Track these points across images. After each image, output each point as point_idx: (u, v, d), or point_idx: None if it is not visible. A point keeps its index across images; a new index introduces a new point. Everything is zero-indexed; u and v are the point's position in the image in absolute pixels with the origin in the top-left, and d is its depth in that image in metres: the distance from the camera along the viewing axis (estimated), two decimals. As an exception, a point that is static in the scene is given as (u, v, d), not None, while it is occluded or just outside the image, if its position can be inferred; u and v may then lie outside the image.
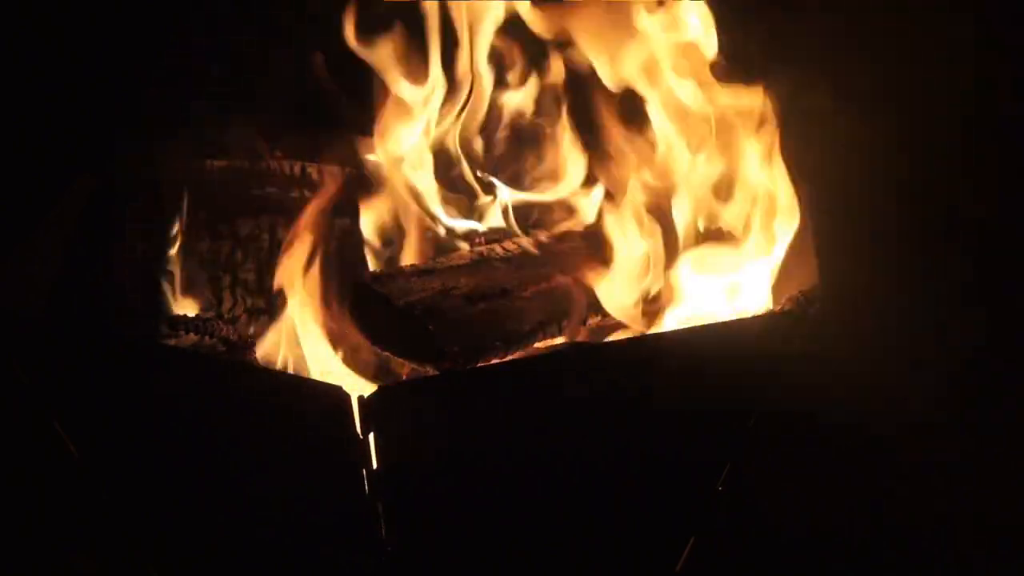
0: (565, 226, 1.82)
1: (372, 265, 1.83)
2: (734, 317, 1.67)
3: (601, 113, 1.78)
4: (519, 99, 1.88)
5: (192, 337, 1.70)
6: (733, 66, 1.71)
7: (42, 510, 1.80)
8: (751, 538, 1.77)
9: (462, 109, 1.84)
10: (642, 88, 1.75)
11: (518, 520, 1.52)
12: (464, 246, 1.80)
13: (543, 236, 1.78)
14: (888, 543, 1.80)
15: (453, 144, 1.85)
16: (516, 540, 1.53)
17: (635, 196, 1.74)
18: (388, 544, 1.43)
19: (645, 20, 1.72)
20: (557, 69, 1.85)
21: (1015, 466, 1.87)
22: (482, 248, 1.74)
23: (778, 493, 1.81)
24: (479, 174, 1.86)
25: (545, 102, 1.88)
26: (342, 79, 1.91)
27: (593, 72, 1.77)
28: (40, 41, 1.89)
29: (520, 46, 1.84)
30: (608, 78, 1.76)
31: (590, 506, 1.54)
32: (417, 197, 1.80)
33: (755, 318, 1.66)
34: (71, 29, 1.90)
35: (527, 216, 1.87)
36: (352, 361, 1.63)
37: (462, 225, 1.83)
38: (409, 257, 1.81)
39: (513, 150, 1.90)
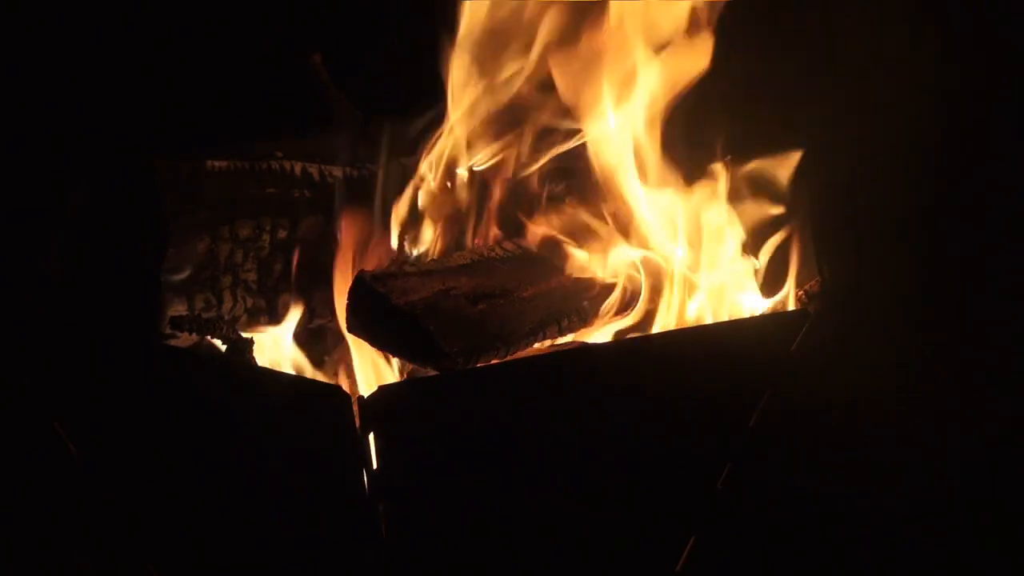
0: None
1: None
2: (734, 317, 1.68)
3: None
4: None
5: (192, 337, 1.70)
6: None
7: (42, 510, 1.80)
8: (751, 538, 1.77)
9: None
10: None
11: (518, 520, 1.52)
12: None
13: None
14: (888, 543, 1.80)
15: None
16: (516, 540, 1.53)
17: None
18: (388, 543, 1.43)
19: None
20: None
21: (1016, 466, 1.87)
22: (482, 248, 1.75)
23: (778, 493, 1.81)
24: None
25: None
26: (341, 78, 1.91)
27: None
28: (39, 42, 1.89)
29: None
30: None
31: (590, 506, 1.54)
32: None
33: (755, 318, 1.67)
34: (70, 30, 1.90)
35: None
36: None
37: None
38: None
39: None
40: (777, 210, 1.74)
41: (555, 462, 1.50)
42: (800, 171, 1.73)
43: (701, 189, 1.76)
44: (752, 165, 1.75)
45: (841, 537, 1.80)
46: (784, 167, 1.74)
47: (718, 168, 1.75)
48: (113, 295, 1.73)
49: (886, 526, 1.82)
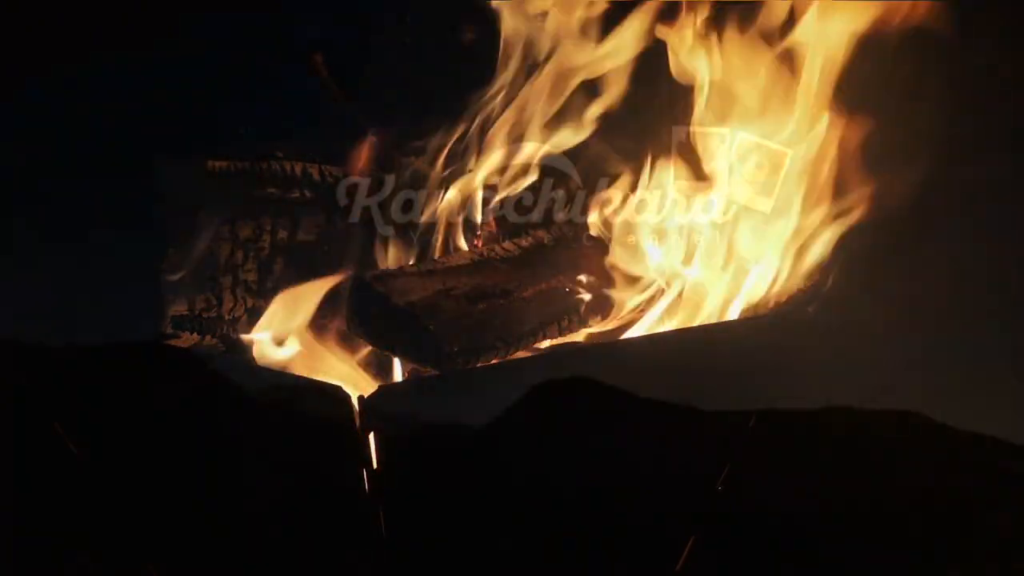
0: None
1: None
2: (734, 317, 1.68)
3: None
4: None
5: (192, 337, 1.70)
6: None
7: (43, 510, 1.79)
8: (751, 538, 1.77)
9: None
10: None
11: (518, 519, 1.52)
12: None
13: (544, 236, 1.79)
14: (889, 544, 1.80)
15: None
16: (516, 539, 1.53)
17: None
18: (388, 543, 1.43)
19: None
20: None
21: (1018, 466, 1.87)
22: (482, 248, 1.75)
23: (778, 493, 1.81)
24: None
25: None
26: (342, 78, 1.91)
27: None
28: (39, 42, 1.89)
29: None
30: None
31: (590, 506, 1.54)
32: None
33: (755, 318, 1.67)
34: (70, 30, 1.91)
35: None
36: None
37: None
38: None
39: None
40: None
41: (554, 461, 1.50)
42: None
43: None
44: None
45: (841, 538, 1.80)
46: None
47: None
48: (113, 295, 1.74)
49: (886, 527, 1.82)
